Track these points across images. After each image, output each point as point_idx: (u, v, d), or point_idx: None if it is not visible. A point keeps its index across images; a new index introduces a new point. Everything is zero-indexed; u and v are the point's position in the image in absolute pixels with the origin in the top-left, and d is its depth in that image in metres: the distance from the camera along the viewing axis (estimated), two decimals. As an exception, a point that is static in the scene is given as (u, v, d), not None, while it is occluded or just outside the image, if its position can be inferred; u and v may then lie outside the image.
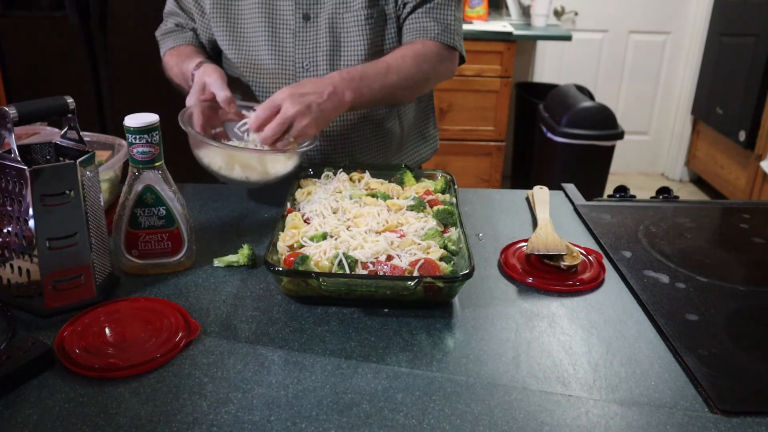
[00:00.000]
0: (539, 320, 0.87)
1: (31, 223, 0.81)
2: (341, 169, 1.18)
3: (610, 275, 1.00)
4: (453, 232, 0.99)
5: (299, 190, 1.14)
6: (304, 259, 0.87)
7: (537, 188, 1.27)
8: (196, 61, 1.26)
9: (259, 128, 1.09)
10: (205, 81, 1.19)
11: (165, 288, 0.93)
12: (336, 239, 0.94)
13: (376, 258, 0.89)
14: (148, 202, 0.93)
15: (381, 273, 0.87)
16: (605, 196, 1.33)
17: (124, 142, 1.05)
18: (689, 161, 4.07)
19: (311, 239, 0.93)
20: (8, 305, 0.86)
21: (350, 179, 1.17)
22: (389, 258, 0.90)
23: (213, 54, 1.40)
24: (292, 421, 0.68)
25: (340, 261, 0.87)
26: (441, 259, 0.90)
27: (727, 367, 0.78)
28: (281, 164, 1.15)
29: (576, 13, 3.76)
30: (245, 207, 1.21)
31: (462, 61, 1.38)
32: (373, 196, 1.08)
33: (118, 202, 0.94)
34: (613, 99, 3.93)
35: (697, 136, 3.97)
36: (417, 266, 0.87)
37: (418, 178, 1.19)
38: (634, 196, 1.32)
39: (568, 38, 3.23)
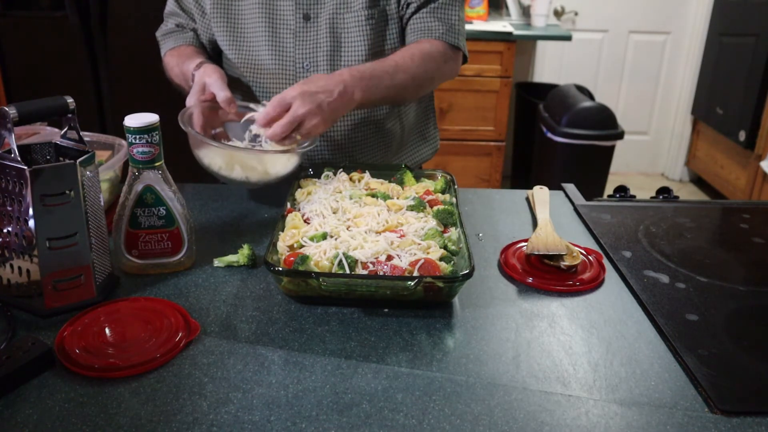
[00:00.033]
0: (539, 320, 0.87)
1: (31, 223, 0.81)
2: (341, 169, 1.18)
3: (610, 275, 1.00)
4: (453, 232, 0.99)
5: (299, 190, 1.14)
6: (304, 259, 0.87)
7: (537, 188, 1.27)
8: (197, 62, 1.26)
9: (267, 124, 1.08)
10: (205, 81, 1.18)
11: (165, 288, 0.93)
12: (336, 239, 0.94)
13: (376, 258, 0.89)
14: (148, 202, 0.93)
15: (381, 273, 0.87)
16: (605, 196, 1.33)
17: (124, 142, 1.05)
18: (689, 161, 4.07)
19: (311, 239, 0.93)
20: (8, 305, 0.86)
21: (350, 179, 1.17)
22: (389, 258, 0.90)
23: (213, 54, 1.40)
24: (292, 421, 0.68)
25: (340, 261, 0.87)
26: (441, 259, 0.90)
27: (727, 367, 0.78)
28: (281, 164, 1.15)
29: (576, 13, 3.76)
30: (245, 207, 1.21)
31: (464, 61, 1.38)
32: (373, 196, 1.08)
33: (118, 202, 0.94)
34: (613, 99, 3.93)
35: (697, 136, 3.97)
36: (417, 266, 0.87)
37: (418, 178, 1.19)
38: (634, 196, 1.32)
39: (568, 38, 3.23)
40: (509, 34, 3.05)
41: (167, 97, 1.45)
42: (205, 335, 0.82)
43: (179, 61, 1.31)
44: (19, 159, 0.80)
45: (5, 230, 0.85)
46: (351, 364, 0.77)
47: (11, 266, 0.86)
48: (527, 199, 1.27)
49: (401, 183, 1.17)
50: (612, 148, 3.05)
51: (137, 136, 0.90)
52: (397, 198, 1.09)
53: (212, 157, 1.13)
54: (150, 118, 0.90)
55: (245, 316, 0.87)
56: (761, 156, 3.22)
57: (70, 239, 0.84)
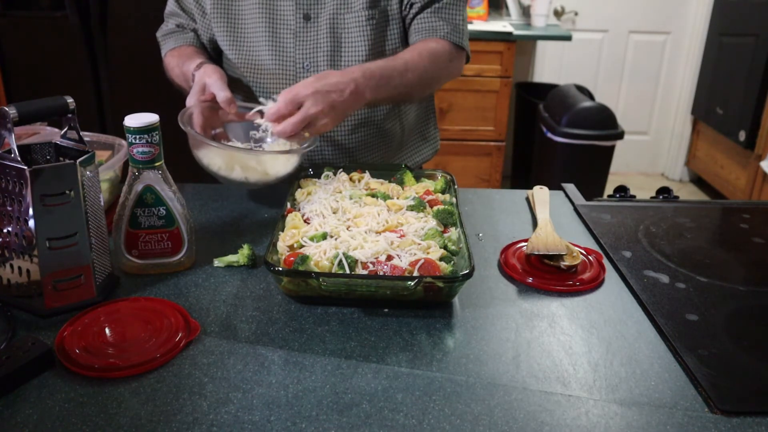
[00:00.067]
0: (539, 320, 0.87)
1: (31, 223, 0.81)
2: (341, 169, 1.18)
3: (610, 275, 1.00)
4: (453, 232, 0.99)
5: (299, 190, 1.14)
6: (304, 259, 0.87)
7: (537, 188, 1.27)
8: (197, 62, 1.26)
9: (277, 120, 1.08)
10: (205, 81, 1.18)
11: (165, 288, 0.93)
12: (336, 239, 0.94)
13: (376, 258, 0.89)
14: (148, 202, 0.93)
15: (381, 273, 0.87)
16: (605, 196, 1.33)
17: (124, 142, 1.05)
18: (689, 161, 4.07)
19: (311, 239, 0.93)
20: (8, 305, 0.86)
21: (350, 179, 1.17)
22: (389, 258, 0.90)
23: (214, 54, 1.40)
24: (292, 421, 0.68)
25: (340, 261, 0.87)
26: (441, 259, 0.90)
27: (727, 367, 0.78)
28: (281, 165, 1.15)
29: (576, 13, 3.76)
30: (245, 207, 1.21)
31: (466, 60, 1.38)
32: (373, 196, 1.08)
33: (118, 202, 0.94)
34: (613, 99, 3.93)
35: (697, 136, 3.97)
36: (417, 266, 0.87)
37: (418, 178, 1.19)
38: (634, 196, 1.32)
39: (568, 38, 3.23)
40: (509, 34, 3.05)
41: (167, 97, 1.45)
42: (205, 335, 0.82)
43: (180, 61, 1.31)
44: (19, 159, 0.80)
45: (5, 230, 0.85)
46: (351, 364, 0.77)
47: (11, 266, 0.86)
48: (527, 199, 1.27)
49: (401, 183, 1.17)
50: (612, 148, 3.05)
51: (137, 136, 0.90)
52: (397, 198, 1.09)
53: (212, 157, 1.13)
54: (150, 118, 0.90)
55: (245, 316, 0.87)
56: (761, 156, 3.22)
57: (70, 239, 0.84)
